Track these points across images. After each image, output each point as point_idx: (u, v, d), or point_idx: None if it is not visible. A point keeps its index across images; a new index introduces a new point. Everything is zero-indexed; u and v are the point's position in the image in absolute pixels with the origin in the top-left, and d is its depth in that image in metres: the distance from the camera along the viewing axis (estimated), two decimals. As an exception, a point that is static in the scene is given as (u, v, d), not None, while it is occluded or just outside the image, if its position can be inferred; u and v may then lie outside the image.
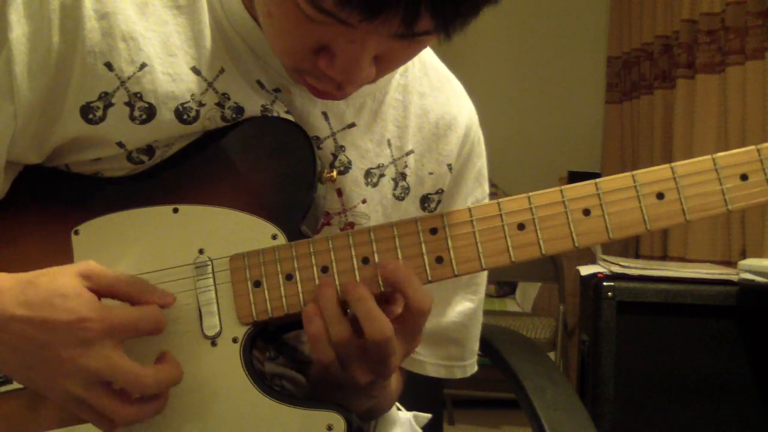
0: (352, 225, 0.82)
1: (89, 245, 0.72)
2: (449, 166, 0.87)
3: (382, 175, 0.83)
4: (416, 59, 0.85)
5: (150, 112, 0.72)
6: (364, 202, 0.82)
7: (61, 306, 0.63)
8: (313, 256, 0.71)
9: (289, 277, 0.71)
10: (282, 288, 0.71)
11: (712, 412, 1.88)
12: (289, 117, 0.77)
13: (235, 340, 0.71)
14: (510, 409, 3.11)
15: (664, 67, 3.21)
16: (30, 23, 0.69)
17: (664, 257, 2.97)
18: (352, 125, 0.81)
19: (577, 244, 0.70)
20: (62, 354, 0.63)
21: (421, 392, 0.96)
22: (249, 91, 0.76)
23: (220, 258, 0.72)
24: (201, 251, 0.72)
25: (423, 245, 0.71)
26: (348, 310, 0.70)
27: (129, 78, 0.71)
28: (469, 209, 0.71)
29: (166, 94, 0.72)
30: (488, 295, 1.90)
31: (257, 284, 0.71)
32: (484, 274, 0.92)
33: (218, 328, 0.71)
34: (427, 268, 0.70)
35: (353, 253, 0.71)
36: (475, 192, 0.91)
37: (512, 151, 3.73)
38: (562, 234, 0.70)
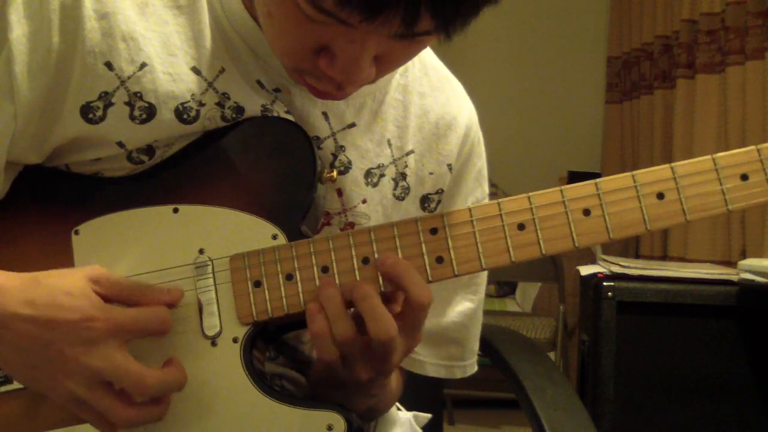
0: (352, 225, 0.82)
1: (89, 245, 0.72)
2: (449, 166, 0.87)
3: (382, 175, 0.83)
4: (416, 59, 0.85)
5: (150, 112, 0.72)
6: (364, 202, 0.82)
7: (67, 305, 0.63)
8: (313, 256, 0.71)
9: (289, 277, 0.71)
10: (282, 288, 0.71)
11: (712, 412, 1.88)
12: (289, 117, 0.77)
13: (235, 340, 0.71)
14: (510, 409, 3.11)
15: (664, 67, 3.21)
16: (30, 23, 0.69)
17: (664, 257, 2.97)
18: (352, 125, 0.81)
19: (577, 244, 0.70)
20: (66, 352, 0.63)
21: (421, 392, 0.96)
22: (249, 91, 0.76)
23: (221, 258, 0.72)
24: (201, 251, 0.72)
25: (423, 245, 0.71)
26: (350, 309, 0.70)
27: (129, 78, 0.71)
28: (469, 209, 0.71)
29: (167, 94, 0.72)
30: (488, 295, 1.90)
31: (257, 284, 0.71)
32: (484, 274, 0.92)
33: (218, 328, 0.71)
34: (428, 268, 0.70)
35: (353, 253, 0.71)
36: (475, 192, 0.91)
37: (512, 151, 3.73)
38: (562, 234, 0.70)
